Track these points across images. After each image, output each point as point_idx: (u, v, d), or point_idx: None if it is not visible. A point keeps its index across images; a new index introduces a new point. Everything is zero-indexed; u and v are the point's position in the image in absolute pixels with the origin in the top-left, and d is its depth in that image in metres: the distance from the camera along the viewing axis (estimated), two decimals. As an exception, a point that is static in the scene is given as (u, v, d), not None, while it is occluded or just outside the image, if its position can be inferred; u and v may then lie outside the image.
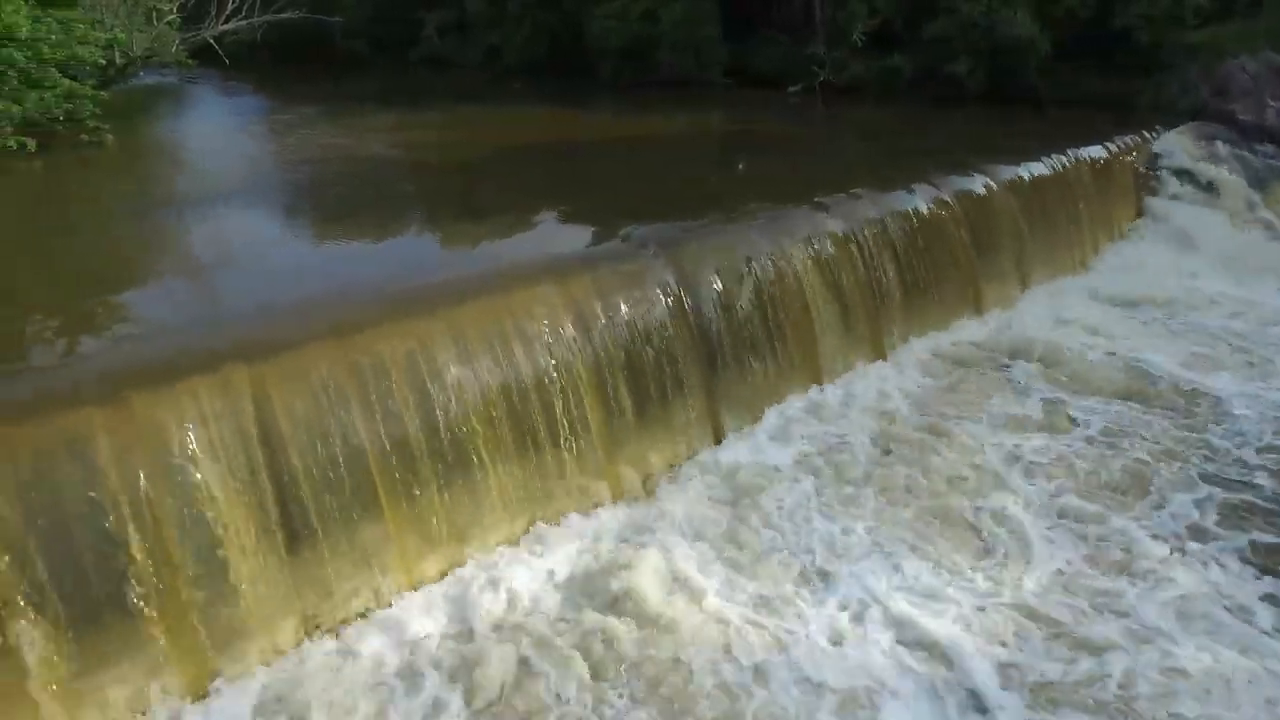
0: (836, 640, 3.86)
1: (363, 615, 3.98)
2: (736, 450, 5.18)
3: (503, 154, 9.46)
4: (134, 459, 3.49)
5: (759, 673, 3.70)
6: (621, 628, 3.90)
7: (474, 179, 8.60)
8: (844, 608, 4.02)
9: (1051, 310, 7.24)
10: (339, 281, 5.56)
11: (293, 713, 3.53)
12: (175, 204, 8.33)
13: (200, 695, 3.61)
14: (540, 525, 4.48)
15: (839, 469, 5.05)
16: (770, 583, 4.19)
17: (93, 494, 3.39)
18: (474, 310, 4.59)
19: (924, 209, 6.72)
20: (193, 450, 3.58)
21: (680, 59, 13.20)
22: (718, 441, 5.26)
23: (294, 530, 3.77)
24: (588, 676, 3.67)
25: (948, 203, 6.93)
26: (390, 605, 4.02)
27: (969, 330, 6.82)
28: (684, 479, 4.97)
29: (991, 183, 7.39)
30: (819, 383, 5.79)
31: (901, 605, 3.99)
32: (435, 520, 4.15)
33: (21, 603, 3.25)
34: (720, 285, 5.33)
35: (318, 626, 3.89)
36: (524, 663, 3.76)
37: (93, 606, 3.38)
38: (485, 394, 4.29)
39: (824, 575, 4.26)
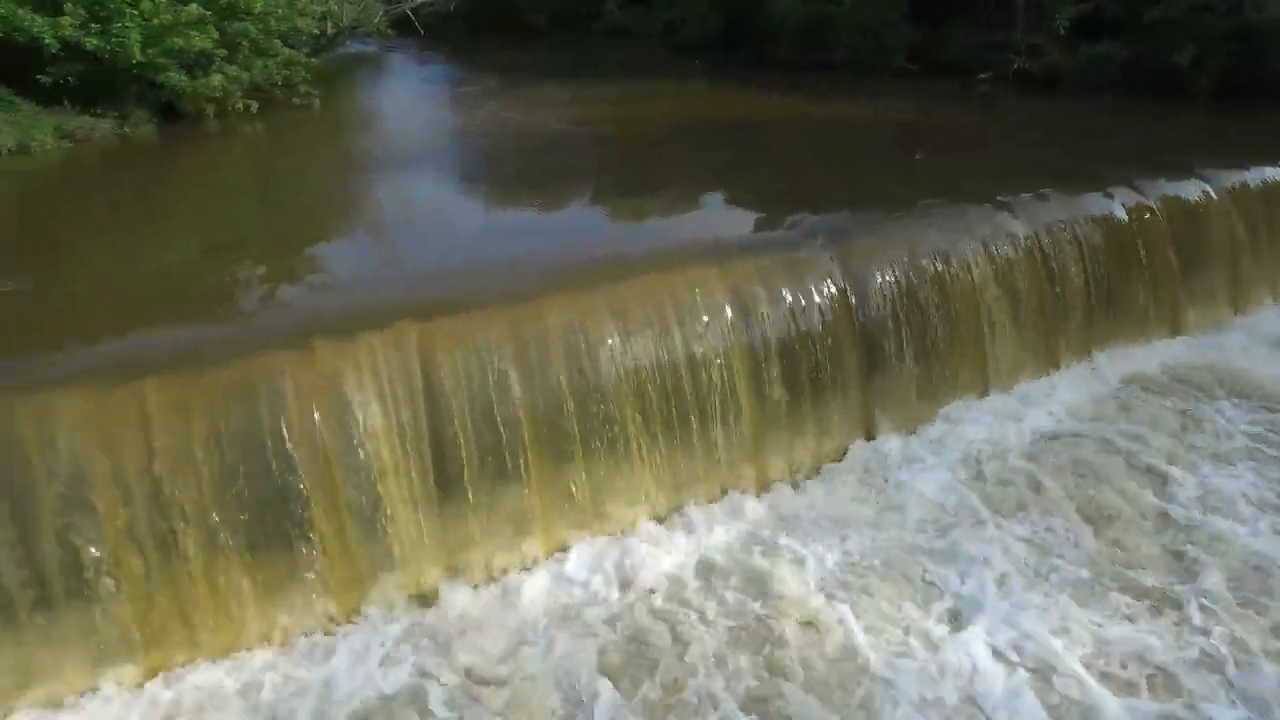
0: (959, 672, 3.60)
1: (501, 573, 4.14)
2: (888, 452, 4.98)
3: (675, 131, 9.48)
4: (313, 401, 3.78)
5: (878, 681, 3.56)
6: (752, 616, 3.86)
7: (645, 155, 8.67)
8: (977, 639, 3.75)
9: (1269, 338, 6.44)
10: (509, 250, 5.77)
11: (436, 646, 3.75)
12: (368, 166, 8.93)
13: (351, 622, 3.89)
14: (682, 507, 4.49)
15: (996, 484, 4.74)
16: (902, 597, 4.00)
17: (276, 429, 3.70)
18: (635, 287, 4.63)
19: (1121, 215, 6.14)
20: (363, 398, 3.83)
21: (860, 42, 12.67)
22: (869, 440, 5.08)
23: (446, 484, 3.96)
24: (712, 660, 3.65)
25: (1151, 209, 6.29)
26: (528, 567, 4.16)
27: (1161, 352, 6.19)
28: (830, 475, 4.84)
29: (1209, 189, 6.63)
30: (985, 392, 5.45)
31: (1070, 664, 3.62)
32: (579, 491, 4.24)
33: (207, 525, 3.60)
34: (888, 282, 5.10)
35: (458, 576, 4.08)
36: (647, 638, 3.79)
37: (266, 533, 3.70)
38: (640, 371, 4.33)
39: (961, 601, 3.97)
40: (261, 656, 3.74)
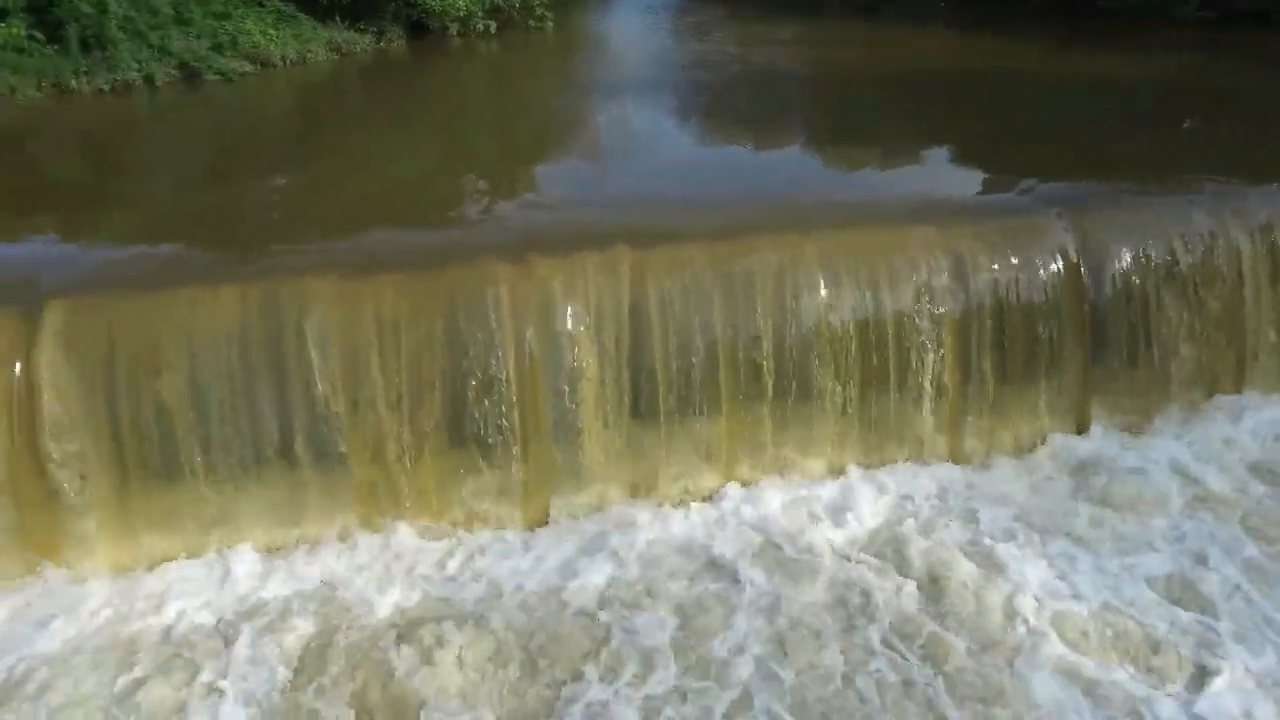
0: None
1: (680, 500, 4.24)
2: (1102, 447, 4.57)
3: (907, 79, 8.96)
4: (526, 311, 4.00)
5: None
6: (914, 592, 3.74)
7: (870, 102, 8.28)
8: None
9: None
10: (722, 185, 5.76)
11: (609, 552, 3.94)
12: (592, 91, 9.15)
13: (536, 526, 4.15)
14: (866, 466, 4.39)
15: (1234, 506, 4.19)
16: (1096, 611, 3.62)
17: (490, 335, 3.96)
18: (848, 237, 4.51)
19: None
20: (573, 316, 4.01)
21: (1139, -16, 11.21)
22: (1080, 432, 4.69)
23: (640, 407, 4.10)
24: (876, 639, 3.55)
25: None
26: (707, 498, 4.25)
27: None
28: (1030, 461, 4.53)
29: None
30: (1237, 393, 4.84)
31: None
32: (766, 433, 4.25)
33: (419, 412, 3.93)
34: (1132, 262, 4.61)
35: (640, 497, 4.24)
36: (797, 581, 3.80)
37: (469, 428, 3.99)
38: (843, 324, 4.23)
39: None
40: (445, 543, 4.06)
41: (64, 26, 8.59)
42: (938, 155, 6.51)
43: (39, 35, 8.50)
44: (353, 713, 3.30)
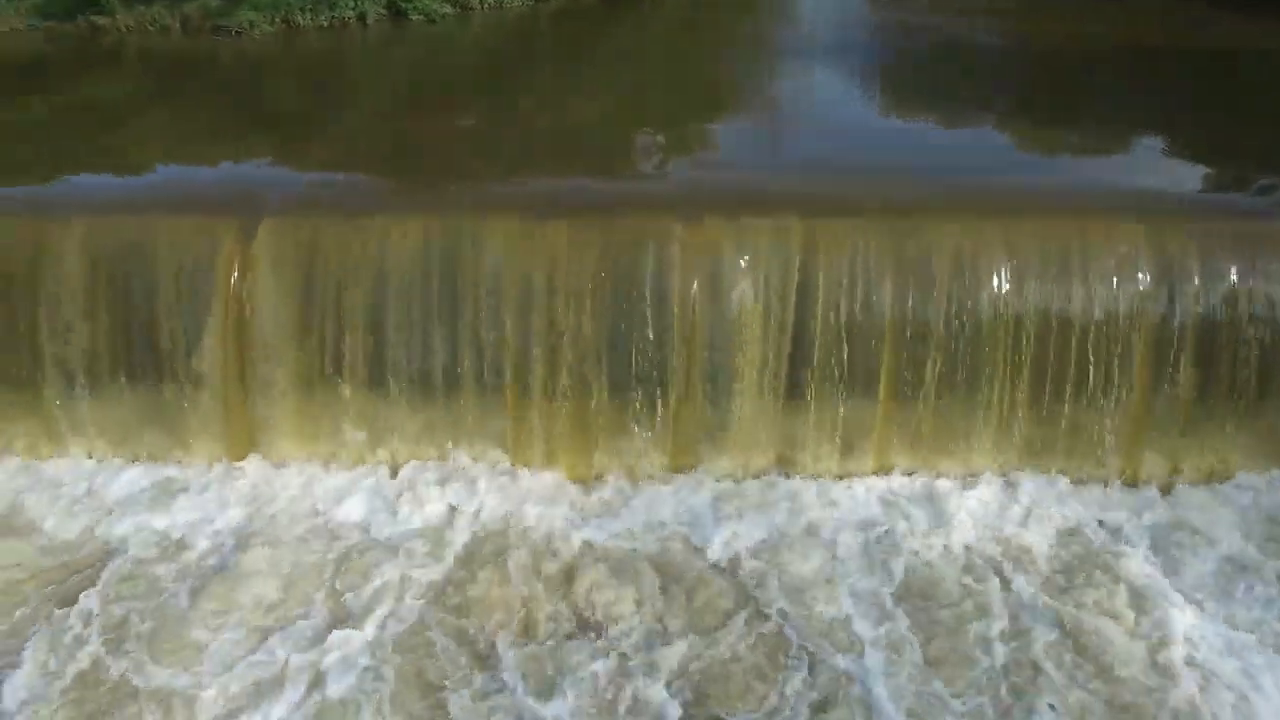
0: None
1: (826, 477, 4.18)
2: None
3: (1120, 56, 8.17)
4: (694, 271, 4.02)
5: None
6: (1066, 622, 3.48)
7: (1075, 81, 7.61)
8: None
9: None
10: (903, 158, 5.51)
11: (736, 510, 4.00)
12: (776, 50, 8.94)
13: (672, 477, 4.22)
14: (1027, 471, 4.15)
15: None
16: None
17: (658, 289, 4.01)
18: (1036, 226, 4.21)
19: None
20: (740, 279, 3.99)
21: None
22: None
23: (797, 379, 4.04)
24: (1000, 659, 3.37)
25: None
26: (853, 480, 4.16)
27: None
28: (1219, 494, 4.11)
29: None
30: None
31: None
32: (922, 422, 4.10)
33: (582, 356, 4.06)
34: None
35: (784, 469, 4.21)
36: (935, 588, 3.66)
37: (627, 375, 4.08)
38: (1022, 317, 3.97)
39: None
40: (586, 485, 4.20)
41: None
42: (1150, 144, 5.94)
43: (274, -27, 9.24)
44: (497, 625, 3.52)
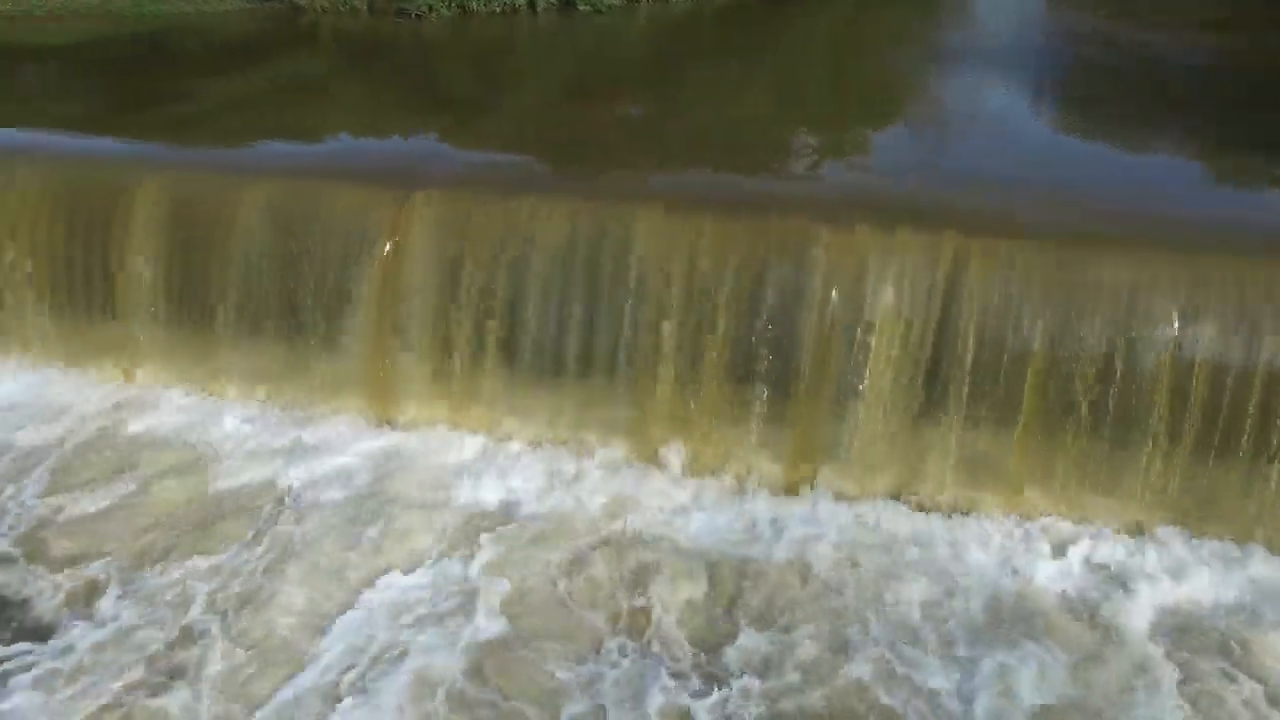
0: None
1: (949, 510, 3.99)
2: None
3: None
4: (837, 278, 3.92)
5: None
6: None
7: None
8: None
9: None
10: (1071, 178, 5.15)
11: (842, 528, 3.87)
12: (945, 55, 8.57)
13: (788, 493, 4.13)
14: (1180, 531, 3.81)
15: None
16: None
17: (797, 290, 3.94)
18: (1219, 265, 3.83)
19: None
20: (883, 292, 3.86)
21: None
22: None
23: (931, 400, 3.87)
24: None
25: None
26: (977, 516, 3.94)
27: None
28: None
29: None
30: None
31: None
32: (1062, 465, 3.83)
33: (711, 348, 4.04)
34: None
35: (901, 495, 4.04)
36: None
37: (751, 373, 4.01)
38: (1193, 364, 3.64)
39: None
40: (706, 484, 4.17)
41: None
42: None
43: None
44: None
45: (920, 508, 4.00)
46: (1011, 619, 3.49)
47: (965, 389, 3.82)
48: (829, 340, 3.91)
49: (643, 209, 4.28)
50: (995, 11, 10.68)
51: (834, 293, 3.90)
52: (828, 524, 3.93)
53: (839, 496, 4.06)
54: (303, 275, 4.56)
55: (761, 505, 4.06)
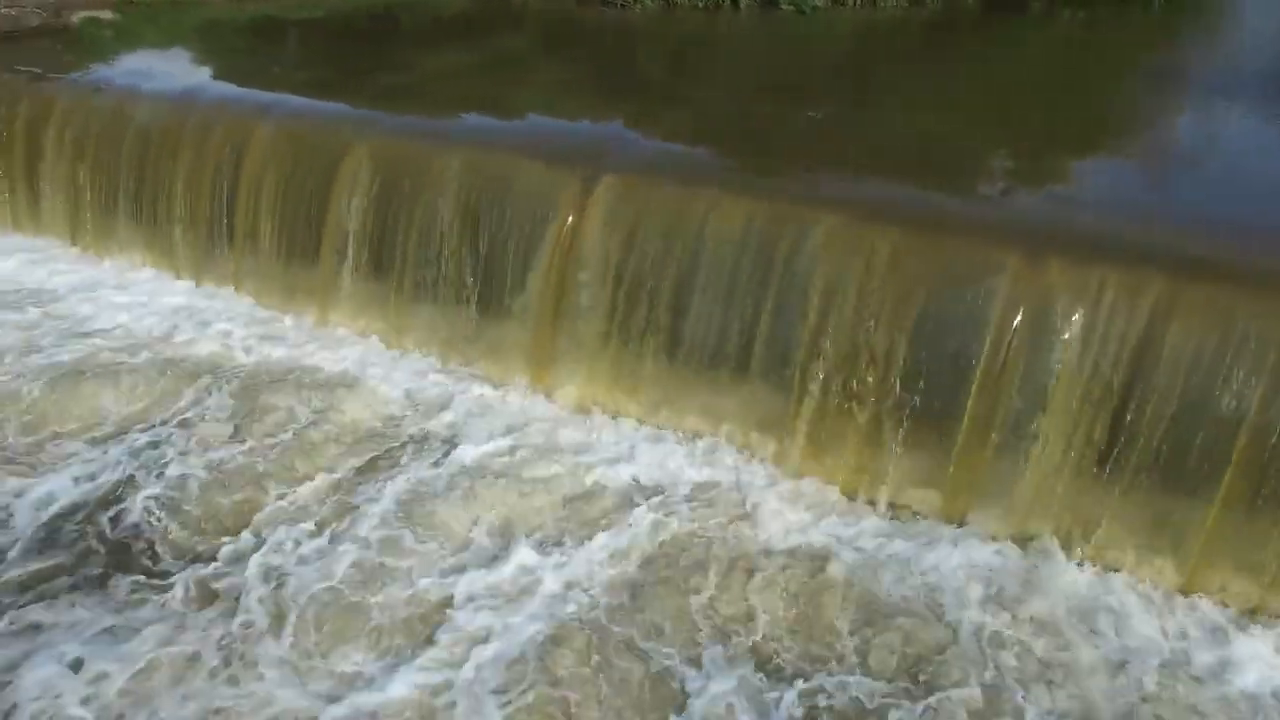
0: None
1: (1108, 570, 3.66)
2: None
3: None
4: (1021, 309, 3.66)
5: None
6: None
7: None
8: None
9: None
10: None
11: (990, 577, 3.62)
12: (1183, 83, 7.80)
13: (937, 525, 3.92)
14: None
15: None
16: None
17: (976, 316, 3.73)
18: None
19: None
20: (1070, 333, 3.57)
21: None
22: None
23: (1111, 456, 3.55)
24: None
25: None
26: (1141, 586, 3.59)
27: None
28: None
29: None
30: None
31: None
32: (1269, 555, 3.40)
33: (877, 371, 3.90)
34: None
35: (1072, 553, 3.74)
36: None
37: (921, 402, 3.83)
38: None
39: None
40: (847, 505, 4.07)
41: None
42: None
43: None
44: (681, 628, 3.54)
45: (1081, 563, 3.70)
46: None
47: (1153, 450, 3.47)
48: (1002, 376, 3.67)
49: (822, 213, 4.18)
50: (1256, 29, 9.60)
51: (1014, 326, 3.65)
52: (974, 564, 3.71)
53: (991, 538, 3.82)
54: (484, 243, 4.80)
55: (911, 531, 3.91)
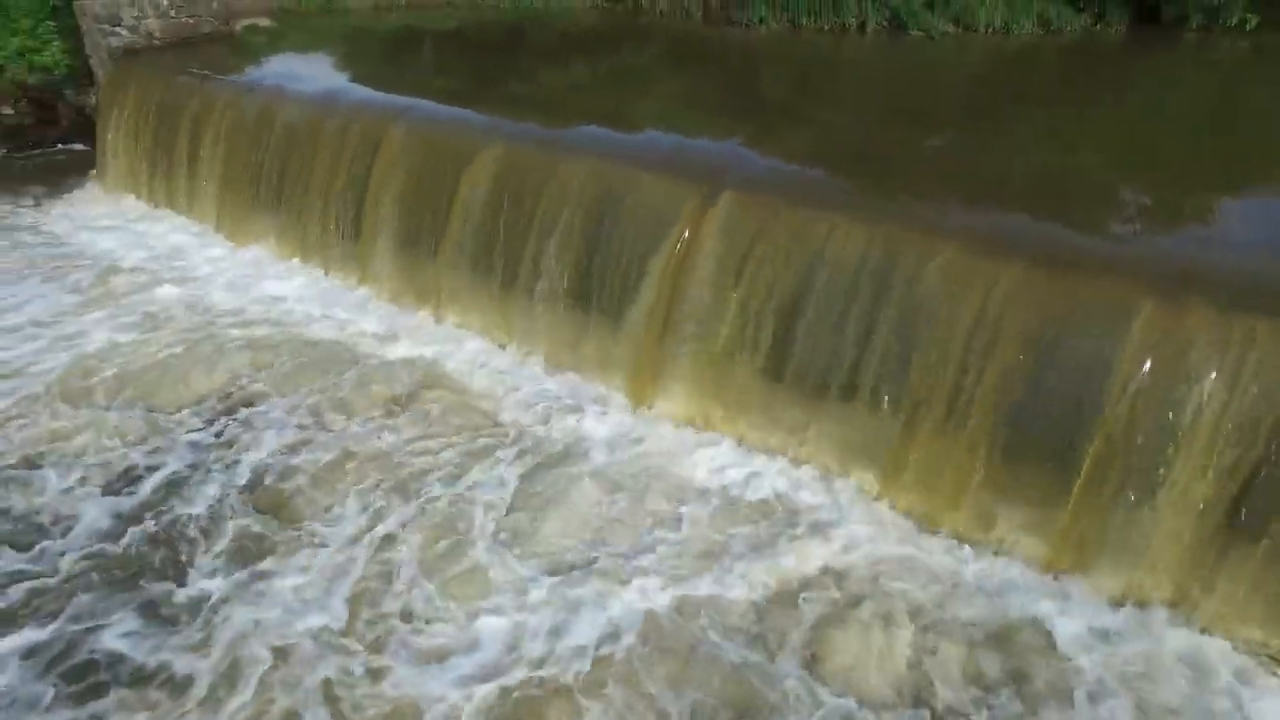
0: None
1: (1235, 639, 3.40)
2: None
3: None
4: (1152, 354, 3.47)
5: None
6: None
7: None
8: None
9: None
10: None
11: (1135, 658, 3.40)
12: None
13: (1060, 572, 3.74)
14: None
15: None
16: None
17: (1102, 358, 3.55)
18: None
19: None
20: (1209, 379, 3.35)
21: None
22: None
23: (1245, 519, 3.30)
24: None
25: None
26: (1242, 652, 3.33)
27: None
28: None
29: None
30: None
31: None
32: None
33: (983, 414, 3.76)
34: None
35: (1180, 610, 3.51)
36: None
37: (1032, 444, 3.68)
38: None
39: None
40: (953, 546, 3.93)
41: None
42: None
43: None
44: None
45: (1203, 630, 3.46)
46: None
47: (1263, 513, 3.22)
48: (1129, 425, 3.47)
49: (940, 243, 4.08)
50: None
51: (1145, 373, 3.45)
52: (1084, 620, 3.53)
53: (1105, 595, 3.62)
54: (600, 253, 4.89)
55: (1013, 577, 3.75)
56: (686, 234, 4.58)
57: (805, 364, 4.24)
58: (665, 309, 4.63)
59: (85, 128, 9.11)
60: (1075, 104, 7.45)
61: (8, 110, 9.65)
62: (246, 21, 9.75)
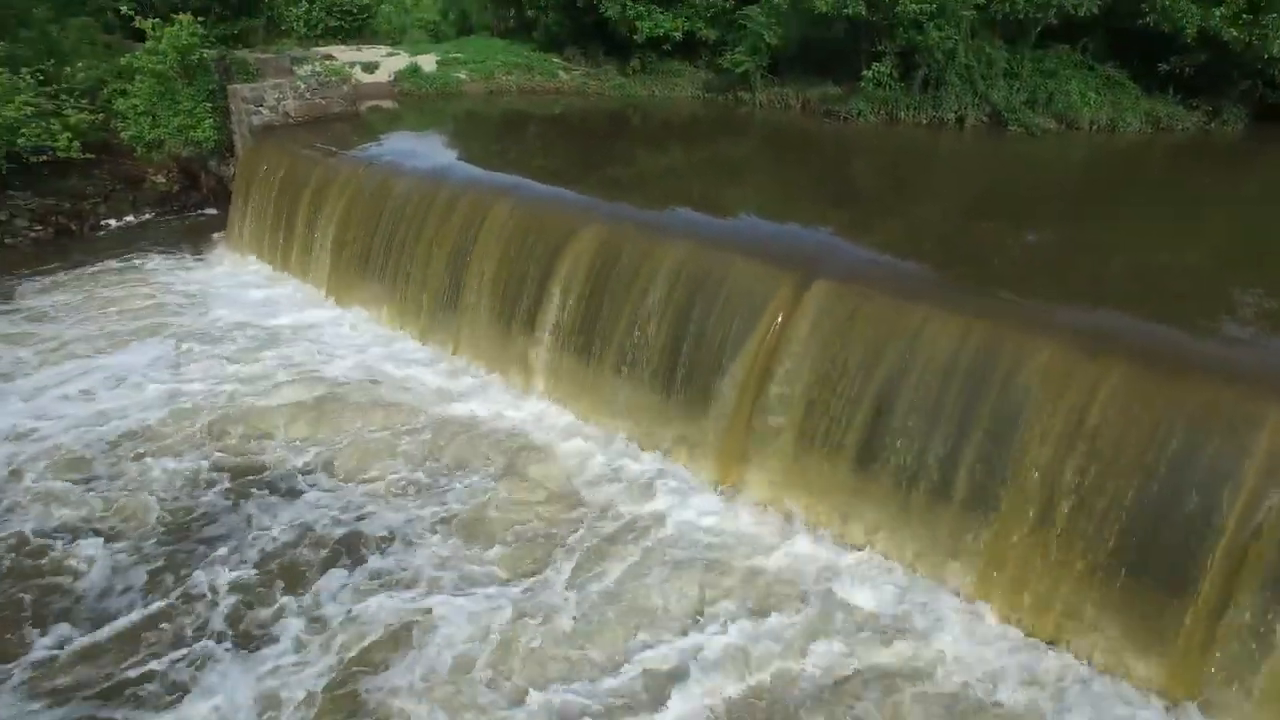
0: None
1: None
2: None
3: None
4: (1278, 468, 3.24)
5: None
6: None
7: None
8: None
9: None
10: None
11: None
12: None
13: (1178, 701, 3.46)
14: None
15: None
16: None
17: (1219, 471, 3.34)
18: None
19: None
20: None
21: None
22: None
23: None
24: None
25: None
26: None
27: None
28: None
29: None
30: None
31: None
32: None
33: (1085, 514, 3.57)
34: None
35: None
36: None
37: (1143, 559, 3.46)
38: None
39: None
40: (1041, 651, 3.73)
41: (915, 70, 9.92)
42: None
43: (896, 74, 10.01)
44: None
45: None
46: None
47: None
48: (1252, 542, 3.23)
49: (1039, 341, 3.95)
50: None
51: (1272, 488, 3.22)
52: None
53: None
54: (691, 333, 4.93)
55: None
56: (779, 320, 4.59)
57: (896, 458, 4.12)
58: (755, 393, 4.61)
59: (221, 194, 10.01)
60: (1184, 204, 7.22)
61: (161, 179, 10.71)
62: (371, 103, 10.51)
